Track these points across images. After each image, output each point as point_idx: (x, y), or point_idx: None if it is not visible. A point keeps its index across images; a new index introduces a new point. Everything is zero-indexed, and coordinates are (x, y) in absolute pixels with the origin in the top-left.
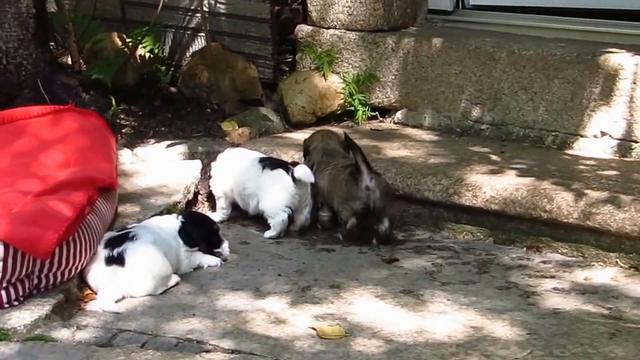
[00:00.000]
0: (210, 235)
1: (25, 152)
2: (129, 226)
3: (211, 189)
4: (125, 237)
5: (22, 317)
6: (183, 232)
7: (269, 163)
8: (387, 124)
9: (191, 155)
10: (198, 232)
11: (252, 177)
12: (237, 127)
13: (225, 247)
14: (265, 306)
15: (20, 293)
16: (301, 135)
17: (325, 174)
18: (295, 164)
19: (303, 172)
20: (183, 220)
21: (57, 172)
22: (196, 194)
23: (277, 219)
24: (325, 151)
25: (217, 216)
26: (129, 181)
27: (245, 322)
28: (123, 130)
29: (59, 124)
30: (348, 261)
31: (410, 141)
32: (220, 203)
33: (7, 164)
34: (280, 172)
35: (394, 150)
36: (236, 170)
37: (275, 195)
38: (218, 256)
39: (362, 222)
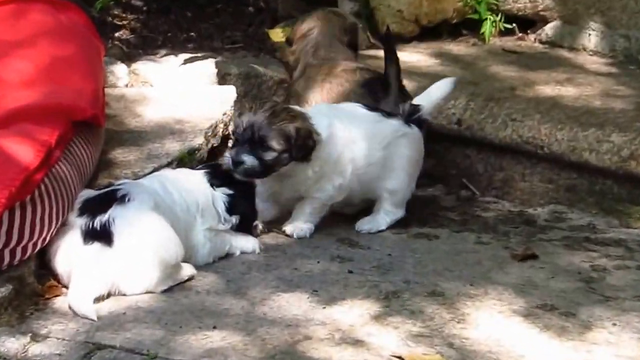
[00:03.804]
0: (253, 207)
1: None
2: (117, 183)
3: (331, 196)
4: (111, 198)
5: None
6: (235, 207)
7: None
8: (528, 42)
9: (221, 78)
10: (240, 197)
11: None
12: None
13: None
14: (326, 318)
15: None
16: (400, 55)
17: (318, 86)
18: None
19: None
20: (227, 190)
21: (15, 93)
22: (225, 137)
23: (400, 210)
24: (320, 43)
25: (308, 227)
26: (124, 113)
27: (295, 342)
28: (117, 34)
29: (23, 18)
30: (458, 255)
31: (564, 71)
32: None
33: None
34: (400, 126)
35: (538, 84)
36: (361, 136)
37: (409, 167)
38: (254, 231)
39: None
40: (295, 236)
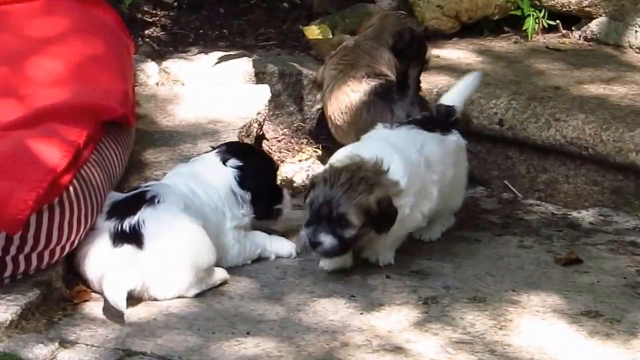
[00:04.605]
0: (269, 182)
1: (1, 54)
2: (144, 185)
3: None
4: (140, 200)
5: None
6: (246, 180)
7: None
8: (573, 39)
9: (255, 77)
10: (257, 177)
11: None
12: (330, 35)
13: (286, 202)
14: (364, 324)
15: None
16: (439, 53)
17: (330, 94)
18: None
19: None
20: (240, 162)
21: (43, 92)
22: (260, 137)
23: (453, 218)
24: (368, 37)
25: (392, 254)
26: (155, 113)
27: (331, 349)
28: (147, 31)
29: (52, 14)
30: (501, 259)
31: (610, 69)
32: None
33: None
34: (459, 138)
35: (583, 82)
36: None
37: (467, 177)
38: (276, 215)
39: None
40: (381, 264)
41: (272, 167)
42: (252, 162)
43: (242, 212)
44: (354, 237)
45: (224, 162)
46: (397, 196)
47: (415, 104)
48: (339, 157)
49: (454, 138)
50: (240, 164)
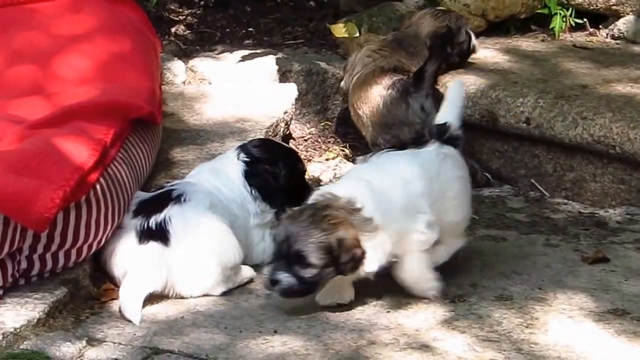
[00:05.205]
0: (292, 179)
1: (29, 52)
2: (170, 184)
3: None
4: (167, 199)
5: None
6: (251, 176)
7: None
8: (600, 38)
9: (282, 75)
10: (265, 173)
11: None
12: (356, 34)
13: None
14: (391, 323)
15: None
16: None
17: (357, 86)
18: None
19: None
20: (248, 157)
21: (71, 90)
22: (287, 136)
23: (461, 240)
24: (407, 35)
25: (432, 278)
26: (182, 111)
27: (358, 347)
28: (173, 30)
29: (79, 12)
30: (527, 258)
31: (638, 68)
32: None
33: None
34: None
35: (610, 81)
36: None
37: (465, 189)
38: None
39: None
40: (431, 297)
41: (291, 165)
42: (261, 157)
43: (260, 209)
44: (314, 278)
45: (239, 157)
46: (373, 233)
47: (429, 96)
48: (314, 194)
49: (430, 148)
50: (247, 159)
